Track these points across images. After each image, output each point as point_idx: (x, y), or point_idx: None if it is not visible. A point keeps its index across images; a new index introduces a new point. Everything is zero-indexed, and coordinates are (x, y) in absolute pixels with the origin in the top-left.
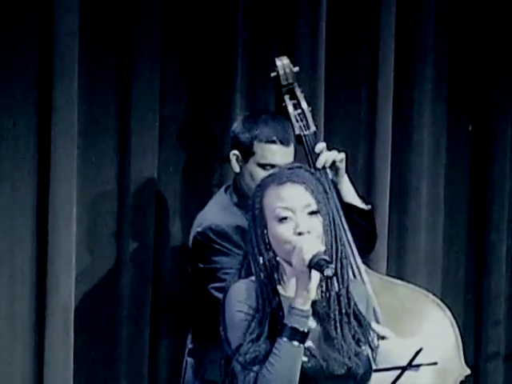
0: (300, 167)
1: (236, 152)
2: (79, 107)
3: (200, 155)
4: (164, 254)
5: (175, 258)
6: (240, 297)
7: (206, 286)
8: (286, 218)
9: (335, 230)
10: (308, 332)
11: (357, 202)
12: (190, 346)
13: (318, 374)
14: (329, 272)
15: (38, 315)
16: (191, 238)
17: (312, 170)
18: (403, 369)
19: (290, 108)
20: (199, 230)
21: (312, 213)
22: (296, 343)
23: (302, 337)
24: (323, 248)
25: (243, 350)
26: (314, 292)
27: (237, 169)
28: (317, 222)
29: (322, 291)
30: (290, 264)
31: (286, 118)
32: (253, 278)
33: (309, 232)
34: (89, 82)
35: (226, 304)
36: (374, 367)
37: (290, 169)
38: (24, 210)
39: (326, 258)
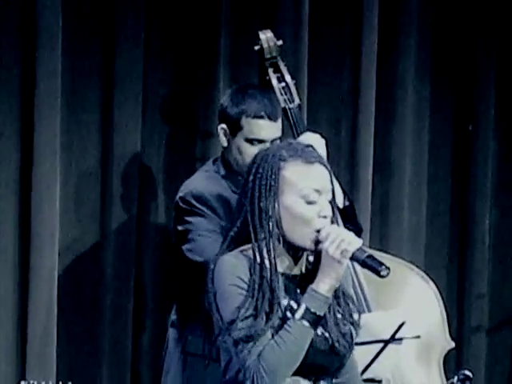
0: (312, 146)
1: (224, 126)
2: (63, 81)
3: (183, 129)
4: (147, 227)
5: (158, 230)
6: (231, 269)
7: (180, 247)
8: (314, 201)
9: (338, 219)
10: (322, 317)
11: (338, 198)
12: (173, 317)
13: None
14: (385, 273)
15: (21, 288)
16: (174, 203)
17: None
18: (386, 342)
19: (274, 81)
20: (181, 194)
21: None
22: (310, 326)
23: (317, 321)
24: (362, 241)
25: (237, 326)
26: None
27: (224, 143)
28: (330, 208)
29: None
30: (294, 244)
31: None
32: (241, 249)
33: (328, 217)
34: (72, 56)
35: (217, 277)
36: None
37: (308, 147)
38: (7, 183)
39: (375, 256)
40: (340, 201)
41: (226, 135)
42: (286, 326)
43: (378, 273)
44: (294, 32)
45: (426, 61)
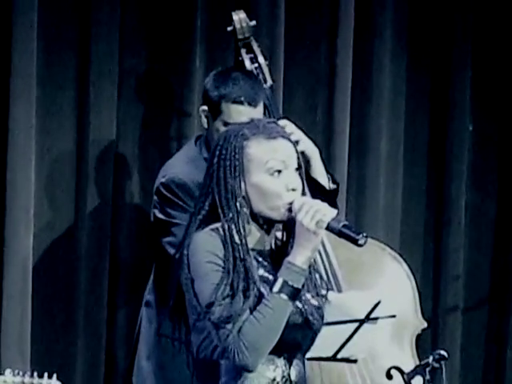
0: (275, 122)
1: (205, 108)
2: (38, 60)
3: (159, 108)
4: (122, 206)
5: (133, 210)
6: (207, 247)
7: (159, 238)
8: (280, 172)
9: (306, 191)
10: (300, 289)
11: (324, 180)
12: (147, 296)
13: None
14: (362, 242)
15: None
16: (155, 186)
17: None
18: (361, 322)
19: (247, 62)
20: (163, 180)
21: (296, 169)
22: (288, 298)
23: (295, 294)
24: (336, 211)
25: (216, 309)
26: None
27: (205, 124)
28: (299, 180)
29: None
30: (263, 218)
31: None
32: (211, 227)
33: (297, 189)
34: (48, 35)
35: (193, 254)
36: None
37: (270, 123)
38: None
39: (349, 224)
40: (325, 183)
41: (207, 117)
42: (264, 300)
43: (355, 241)
44: (270, 12)
45: (403, 41)
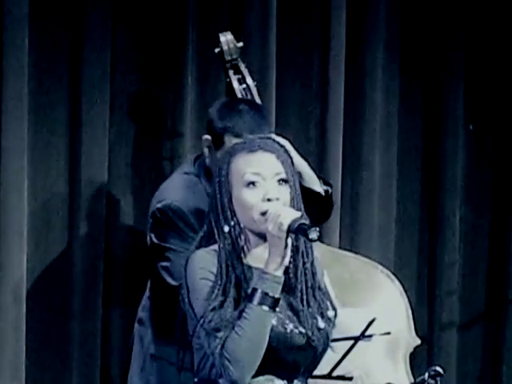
0: (270, 138)
1: (208, 137)
2: (30, 80)
3: (151, 129)
4: (116, 228)
5: (127, 232)
6: (203, 264)
7: (155, 262)
8: (254, 183)
9: (299, 203)
10: (279, 299)
11: (318, 187)
12: (140, 314)
13: (280, 344)
14: (314, 235)
15: None
16: (151, 210)
17: (281, 143)
18: (356, 339)
19: (235, 83)
20: (159, 206)
21: (281, 180)
22: (266, 308)
23: (272, 303)
24: (300, 214)
25: (207, 316)
26: (288, 258)
27: (206, 153)
28: (285, 191)
29: (289, 263)
30: (254, 232)
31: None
32: (214, 246)
33: (277, 199)
34: (39, 54)
35: (189, 271)
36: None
37: (261, 138)
38: None
39: (307, 221)
40: (320, 189)
41: (209, 146)
42: (243, 313)
43: (307, 236)
44: (261, 32)
45: (395, 59)
